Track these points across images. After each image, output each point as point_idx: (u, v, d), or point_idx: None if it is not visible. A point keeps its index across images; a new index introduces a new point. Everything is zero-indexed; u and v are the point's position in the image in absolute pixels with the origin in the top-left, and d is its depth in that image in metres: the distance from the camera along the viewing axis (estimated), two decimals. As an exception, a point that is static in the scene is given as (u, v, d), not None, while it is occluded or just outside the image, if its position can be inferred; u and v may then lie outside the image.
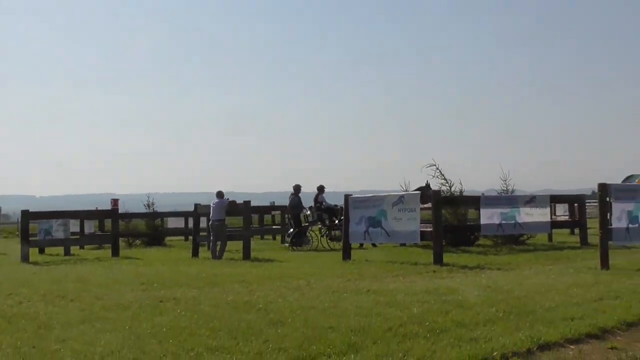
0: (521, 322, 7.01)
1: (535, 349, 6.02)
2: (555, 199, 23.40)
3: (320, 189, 22.73)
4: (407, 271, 12.78)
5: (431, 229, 14.79)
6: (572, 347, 6.15)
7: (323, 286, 10.54)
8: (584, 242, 18.97)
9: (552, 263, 13.70)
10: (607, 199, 12.56)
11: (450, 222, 19.55)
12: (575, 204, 21.75)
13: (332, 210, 22.21)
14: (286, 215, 24.85)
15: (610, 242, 12.41)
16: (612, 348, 6.09)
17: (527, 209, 18.11)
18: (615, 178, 25.89)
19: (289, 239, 22.26)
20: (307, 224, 22.43)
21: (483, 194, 21.29)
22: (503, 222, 17.68)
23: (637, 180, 22.12)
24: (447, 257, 14.79)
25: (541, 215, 18.43)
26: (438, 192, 15.92)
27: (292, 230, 22.20)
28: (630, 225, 12.71)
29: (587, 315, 7.28)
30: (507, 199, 18.75)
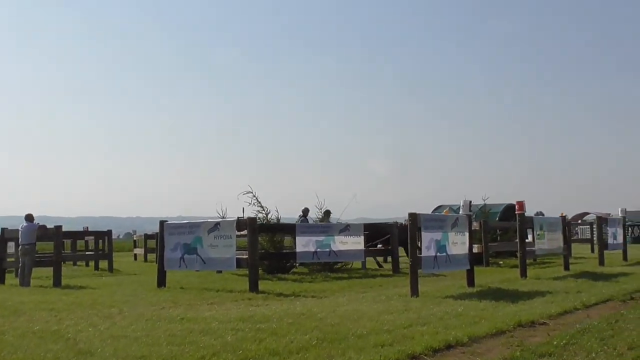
0: (334, 349, 7.13)
1: (346, 375, 6.13)
2: (369, 227, 24.13)
3: (305, 211, 22.57)
4: (222, 299, 12.72)
5: (247, 257, 14.81)
6: (381, 373, 6.33)
7: (136, 314, 10.26)
8: (396, 269, 19.67)
9: (365, 290, 14.09)
10: (417, 228, 13.07)
11: (267, 249, 19.69)
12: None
13: None
14: None
15: (419, 270, 12.92)
16: (418, 373, 6.32)
17: (341, 237, 18.58)
18: (426, 208, 27.03)
19: None
20: None
21: (298, 221, 21.63)
22: (318, 250, 18.05)
23: (444, 211, 23.24)
24: (263, 285, 14.87)
25: (355, 243, 18.95)
26: (254, 219, 15.97)
27: None
28: (439, 254, 13.28)
29: (397, 341, 7.52)
30: (323, 227, 19.12)
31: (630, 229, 26.61)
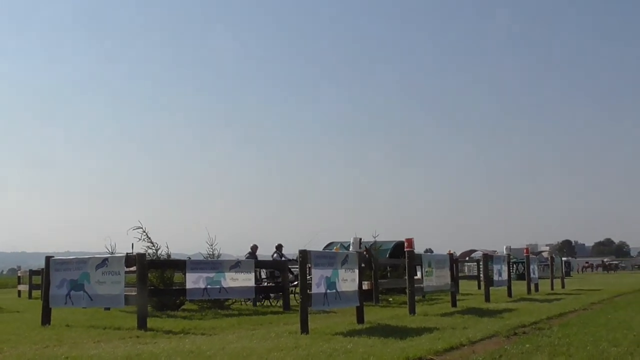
0: (222, 387, 7.08)
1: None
2: (259, 264, 24.09)
3: (279, 247, 23.18)
4: (109, 336, 12.42)
5: (136, 293, 14.56)
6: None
7: (17, 354, 9.90)
8: (286, 306, 19.70)
9: (255, 327, 14.05)
10: (308, 265, 13.16)
11: (156, 285, 19.41)
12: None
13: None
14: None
15: (310, 307, 12.98)
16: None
17: (232, 274, 18.46)
18: (319, 246, 27.21)
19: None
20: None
21: (189, 257, 21.42)
22: (209, 286, 17.87)
23: (335, 248, 23.47)
24: (152, 322, 14.61)
25: (246, 280, 18.88)
26: (143, 254, 15.71)
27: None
28: (328, 291, 13.38)
29: (286, 379, 7.53)
30: (213, 264, 18.95)
31: (514, 265, 27.55)
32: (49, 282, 15.38)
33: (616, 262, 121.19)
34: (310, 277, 13.20)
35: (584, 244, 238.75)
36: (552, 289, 31.25)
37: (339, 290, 13.67)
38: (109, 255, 17.12)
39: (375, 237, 25.63)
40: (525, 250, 31.87)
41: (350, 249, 20.54)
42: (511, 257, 29.15)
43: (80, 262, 15.14)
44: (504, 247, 29.34)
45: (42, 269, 19.24)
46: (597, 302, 19.99)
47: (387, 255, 26.68)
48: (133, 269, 15.16)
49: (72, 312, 17.65)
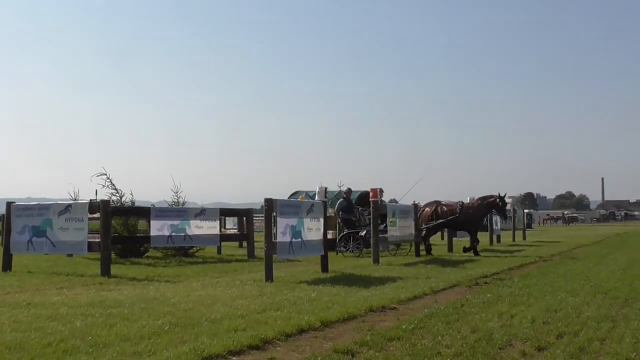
0: (186, 334, 7.06)
1: (198, 361, 6.09)
2: (225, 212, 24.03)
3: (380, 191, 21.99)
4: (72, 283, 12.34)
5: (99, 240, 14.45)
6: (233, 358, 6.31)
7: (-23, 300, 9.80)
8: (251, 255, 19.72)
9: (220, 275, 14.04)
10: (273, 213, 13.15)
11: (120, 233, 19.29)
12: (244, 218, 22.55)
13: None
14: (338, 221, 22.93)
15: (275, 256, 13.01)
16: (270, 359, 6.35)
17: (197, 222, 18.43)
18: (285, 194, 27.25)
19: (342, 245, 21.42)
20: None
21: (154, 205, 21.29)
22: (173, 234, 17.83)
23: (300, 197, 23.46)
24: (115, 269, 14.56)
25: (211, 228, 18.83)
26: (107, 201, 15.56)
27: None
28: (294, 240, 13.41)
29: (250, 326, 7.53)
30: (178, 212, 18.87)
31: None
32: (9, 229, 15.20)
33: (576, 215, 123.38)
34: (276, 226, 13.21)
35: (545, 197, 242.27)
36: (514, 240, 31.73)
37: (304, 239, 13.70)
38: (72, 201, 16.94)
39: (340, 187, 25.66)
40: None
41: (316, 198, 20.57)
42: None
43: (42, 209, 14.95)
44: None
45: (3, 215, 18.99)
46: (557, 254, 20.33)
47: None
48: (97, 215, 15.02)
49: (34, 258, 17.51)
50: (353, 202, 23.14)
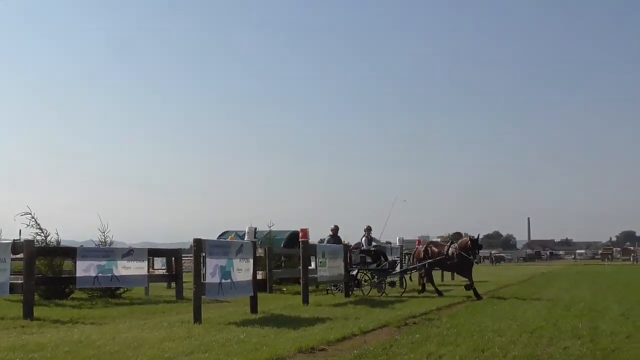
0: (111, 378, 6.94)
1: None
2: (153, 252, 23.72)
3: (368, 229, 22.52)
4: (-8, 326, 11.98)
5: (22, 281, 14.08)
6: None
7: None
8: (180, 295, 19.47)
9: (147, 317, 13.83)
10: (202, 254, 13.03)
11: (45, 273, 18.84)
12: (173, 258, 22.30)
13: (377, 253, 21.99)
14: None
15: (203, 297, 12.88)
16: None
17: (124, 262, 18.12)
18: (214, 234, 26.99)
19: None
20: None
21: (82, 245, 20.91)
22: (100, 275, 17.48)
23: (230, 237, 23.33)
24: (38, 311, 14.18)
25: (138, 268, 18.56)
26: (31, 241, 15.21)
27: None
28: (223, 280, 13.30)
29: (177, 369, 7.44)
30: (105, 252, 18.54)
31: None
32: None
33: (503, 254, 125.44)
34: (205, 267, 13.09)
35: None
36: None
37: (233, 279, 13.61)
38: (-5, 241, 16.49)
39: (270, 227, 25.61)
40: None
41: (246, 238, 20.47)
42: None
43: (-37, 249, 14.51)
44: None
45: None
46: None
47: (282, 245, 26.72)
48: (20, 256, 14.64)
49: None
50: (259, 242, 23.32)
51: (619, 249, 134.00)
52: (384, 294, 20.37)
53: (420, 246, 23.06)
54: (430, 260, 21.75)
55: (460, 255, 20.78)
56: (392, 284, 22.27)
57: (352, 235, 25.23)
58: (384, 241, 29.15)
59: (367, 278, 21.48)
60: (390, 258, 23.65)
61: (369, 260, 22.17)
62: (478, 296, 19.57)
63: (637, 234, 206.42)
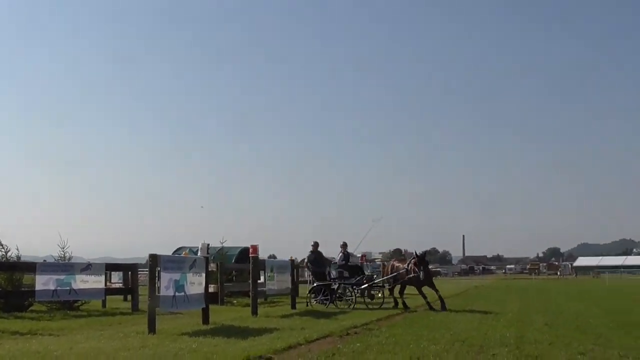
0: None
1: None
2: (110, 267, 23.46)
3: (344, 245, 22.27)
4: (-48, 338, 11.69)
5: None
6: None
7: None
8: (135, 308, 19.27)
9: (104, 328, 13.66)
10: (157, 268, 12.96)
11: (5, 287, 18.52)
12: (129, 272, 22.11)
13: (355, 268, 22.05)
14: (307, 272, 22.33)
15: (158, 309, 12.77)
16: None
17: (83, 276, 17.97)
18: (170, 250, 26.79)
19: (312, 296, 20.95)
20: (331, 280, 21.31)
21: (45, 260, 20.61)
22: (59, 288, 17.27)
23: (184, 252, 23.16)
24: (-2, 323, 13.90)
25: (96, 282, 18.40)
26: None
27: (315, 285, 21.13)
28: (177, 294, 13.21)
29: (132, 377, 7.38)
30: (64, 266, 18.36)
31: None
32: None
33: (439, 269, 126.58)
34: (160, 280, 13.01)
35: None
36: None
37: (187, 292, 13.53)
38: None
39: (222, 243, 25.54)
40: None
41: (199, 254, 20.35)
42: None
43: None
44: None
45: None
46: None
47: (233, 260, 26.67)
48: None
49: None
50: (212, 257, 23.17)
51: (545, 264, 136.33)
52: (360, 304, 20.66)
53: (387, 263, 23.54)
54: (394, 274, 21.89)
55: (414, 271, 21.02)
56: (371, 296, 22.64)
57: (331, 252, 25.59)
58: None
59: (349, 291, 21.44)
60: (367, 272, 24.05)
61: (346, 274, 22.05)
62: (430, 306, 20.00)
63: (562, 250, 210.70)
